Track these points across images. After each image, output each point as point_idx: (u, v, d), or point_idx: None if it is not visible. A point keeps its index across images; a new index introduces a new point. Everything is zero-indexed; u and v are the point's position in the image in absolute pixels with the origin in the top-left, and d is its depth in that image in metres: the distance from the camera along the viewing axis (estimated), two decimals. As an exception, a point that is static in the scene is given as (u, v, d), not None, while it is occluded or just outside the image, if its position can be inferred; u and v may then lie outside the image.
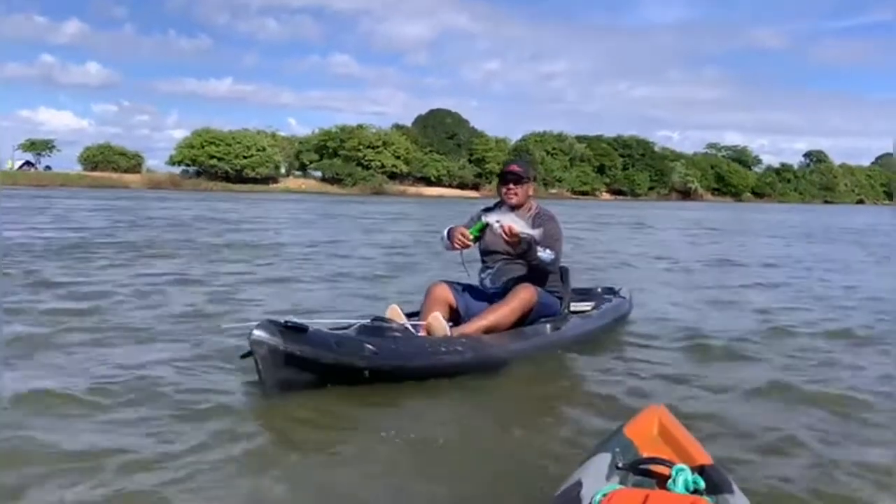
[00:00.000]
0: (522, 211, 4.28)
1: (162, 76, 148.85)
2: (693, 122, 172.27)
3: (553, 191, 73.07)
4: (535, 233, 3.98)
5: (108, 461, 2.49)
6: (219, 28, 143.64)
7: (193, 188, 56.97)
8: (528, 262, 4.14)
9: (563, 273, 4.46)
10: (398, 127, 73.63)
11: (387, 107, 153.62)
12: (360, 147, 66.13)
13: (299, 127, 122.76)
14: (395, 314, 3.85)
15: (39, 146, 66.30)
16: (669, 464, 1.65)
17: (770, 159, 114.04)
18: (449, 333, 3.79)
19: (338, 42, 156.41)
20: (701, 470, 1.65)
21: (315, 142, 69.12)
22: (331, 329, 3.58)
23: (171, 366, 3.69)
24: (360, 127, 69.22)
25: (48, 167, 64.84)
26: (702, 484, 1.58)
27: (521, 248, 4.04)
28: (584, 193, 76.46)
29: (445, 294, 4.16)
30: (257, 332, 3.05)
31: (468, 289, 4.29)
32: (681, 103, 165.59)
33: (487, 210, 4.34)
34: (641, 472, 1.68)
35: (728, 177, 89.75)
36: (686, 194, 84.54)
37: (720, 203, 76.23)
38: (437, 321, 3.80)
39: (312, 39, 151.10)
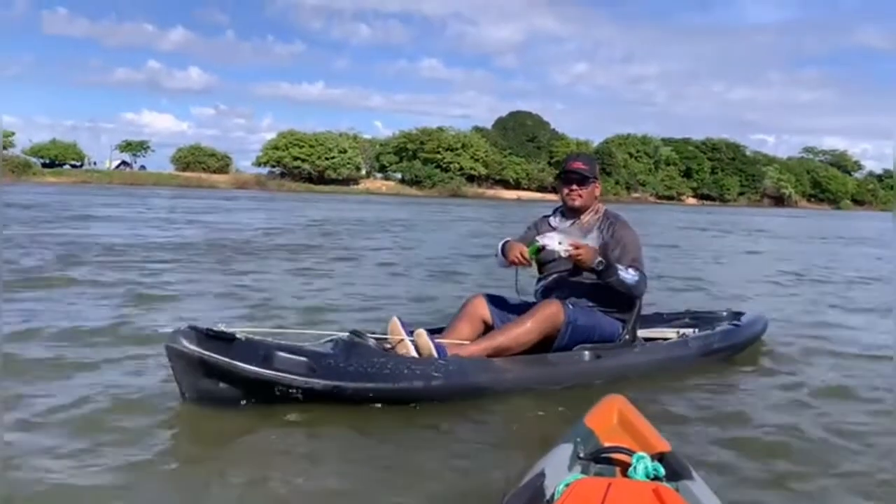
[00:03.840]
0: (588, 215, 3.68)
1: (258, 80, 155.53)
2: (791, 125, 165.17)
3: (636, 195, 71.07)
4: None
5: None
6: (313, 33, 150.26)
7: (278, 189, 58.38)
8: (594, 277, 3.49)
9: None
10: (477, 129, 73.32)
11: (472, 109, 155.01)
12: (440, 149, 66.16)
13: (384, 129, 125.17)
14: (394, 328, 3.36)
15: (135, 147, 69.60)
16: (629, 452, 1.67)
17: (872, 165, 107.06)
18: (435, 354, 3.24)
19: (426, 46, 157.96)
20: (660, 457, 1.67)
21: (395, 144, 69.67)
22: (292, 343, 3.17)
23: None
24: (439, 129, 69.31)
25: (143, 167, 67.97)
26: (661, 471, 1.61)
27: (598, 267, 3.41)
28: (669, 198, 74.03)
29: (480, 309, 3.61)
30: (173, 339, 2.82)
31: (511, 304, 3.68)
32: (778, 106, 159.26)
33: (545, 217, 3.85)
34: (603, 460, 1.71)
35: (825, 183, 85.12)
36: (779, 200, 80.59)
37: (818, 210, 71.91)
38: (421, 338, 3.28)
39: (401, 43, 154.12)
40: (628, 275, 3.46)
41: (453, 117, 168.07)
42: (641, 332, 4.09)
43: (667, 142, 79.54)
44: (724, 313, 4.71)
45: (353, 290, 6.71)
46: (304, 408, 2.95)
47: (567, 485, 1.51)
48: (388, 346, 3.36)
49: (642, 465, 1.63)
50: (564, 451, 1.75)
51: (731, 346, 4.19)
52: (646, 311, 4.53)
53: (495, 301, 3.67)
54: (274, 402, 2.94)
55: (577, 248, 3.36)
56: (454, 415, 3.06)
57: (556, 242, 3.37)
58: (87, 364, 3.65)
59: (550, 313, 3.43)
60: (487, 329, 3.57)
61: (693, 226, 25.48)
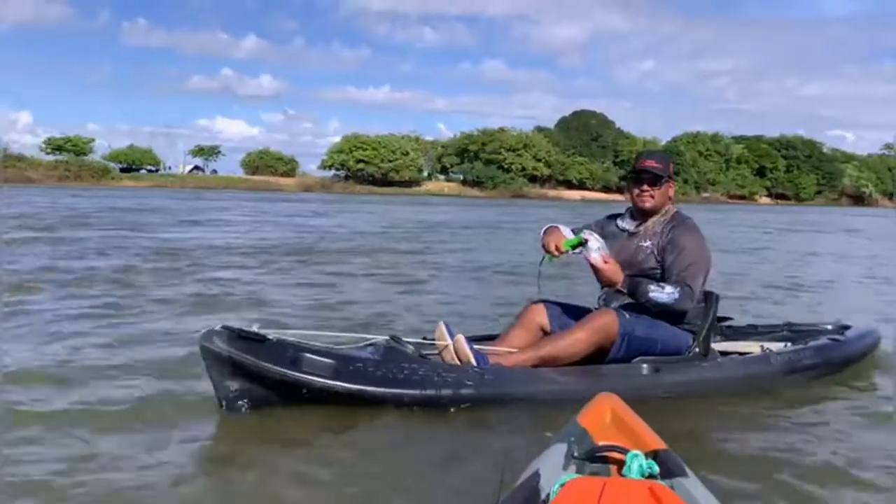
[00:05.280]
0: (655, 218, 3.39)
1: (325, 85, 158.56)
2: (870, 120, 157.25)
3: (706, 195, 69.05)
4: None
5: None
6: (379, 38, 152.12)
7: (342, 191, 59.32)
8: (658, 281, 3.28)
9: (709, 300, 3.42)
10: (540, 129, 72.68)
11: (536, 110, 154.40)
12: (501, 150, 65.87)
13: (447, 131, 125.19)
14: (440, 334, 3.24)
15: (207, 152, 72.00)
16: (624, 450, 1.66)
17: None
18: (474, 361, 3.13)
19: (490, 47, 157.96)
20: (655, 455, 1.66)
21: (456, 145, 69.77)
22: (323, 346, 3.19)
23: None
24: (500, 130, 69.04)
25: (214, 171, 70.25)
26: (656, 468, 1.60)
27: (623, 288, 3.23)
28: (742, 198, 71.63)
29: (538, 317, 3.44)
30: (206, 338, 2.87)
31: (572, 312, 3.47)
32: (856, 100, 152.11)
33: (612, 217, 3.59)
34: (597, 459, 1.71)
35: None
36: (859, 199, 76.89)
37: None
38: (459, 344, 3.16)
39: (465, 46, 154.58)
40: (663, 294, 3.18)
41: (517, 118, 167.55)
42: (723, 346, 3.83)
43: (738, 140, 77.06)
44: (829, 326, 4.24)
45: (415, 296, 6.64)
46: (331, 410, 2.97)
47: (562, 485, 1.50)
48: (428, 351, 3.32)
49: (637, 463, 1.61)
50: (559, 450, 1.74)
51: (825, 364, 3.73)
52: (739, 322, 4.28)
53: (555, 308, 3.50)
54: (303, 404, 2.97)
55: (606, 261, 3.19)
56: (471, 422, 2.99)
57: (594, 246, 3.20)
58: (132, 365, 3.73)
59: (604, 323, 3.23)
60: (546, 335, 3.42)
61: (778, 226, 24.39)
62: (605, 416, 1.88)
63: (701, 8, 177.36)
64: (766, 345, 3.85)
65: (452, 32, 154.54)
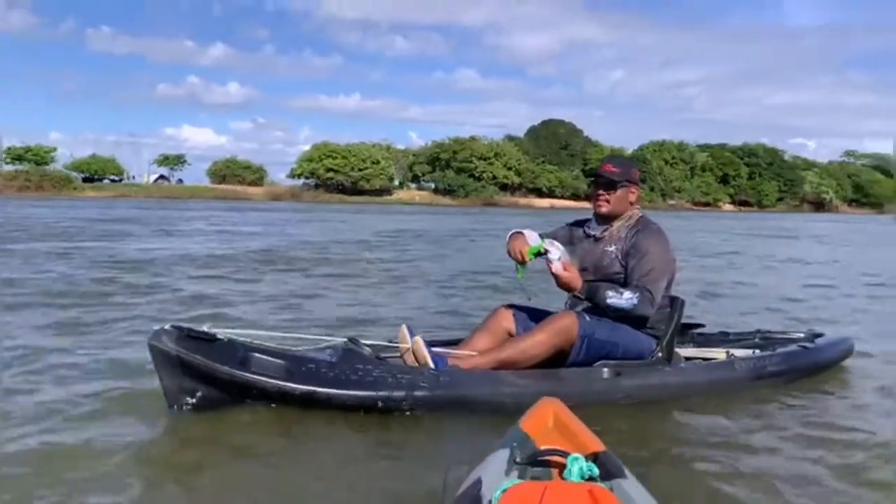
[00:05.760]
0: (619, 223, 3.38)
1: (296, 94, 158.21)
2: (834, 129, 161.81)
3: (672, 202, 70.06)
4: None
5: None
6: (350, 46, 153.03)
7: (311, 200, 58.87)
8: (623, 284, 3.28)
9: (674, 305, 3.41)
10: (510, 138, 73.11)
11: (508, 119, 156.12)
12: (472, 158, 66.09)
13: (419, 140, 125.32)
14: (403, 337, 3.24)
15: (172, 161, 70.94)
16: (565, 454, 1.68)
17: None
18: (431, 364, 3.12)
19: (463, 57, 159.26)
20: (595, 457, 1.69)
21: (428, 154, 69.82)
22: (275, 347, 3.14)
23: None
24: (472, 139, 69.28)
25: (180, 180, 69.21)
26: (596, 471, 1.63)
27: (582, 295, 3.25)
28: (706, 204, 72.82)
29: (504, 321, 3.43)
30: (155, 337, 2.84)
31: (538, 316, 3.44)
32: (821, 110, 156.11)
33: (581, 222, 3.59)
34: (539, 464, 1.71)
35: (867, 186, 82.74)
36: (819, 205, 78.80)
37: (861, 215, 69.81)
38: (417, 346, 3.15)
39: (438, 55, 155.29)
40: (622, 300, 3.17)
41: (489, 127, 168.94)
42: (690, 352, 3.82)
43: (703, 148, 78.41)
44: (801, 334, 4.22)
45: (384, 301, 6.58)
46: (281, 411, 2.94)
47: (504, 490, 1.51)
48: (389, 354, 3.31)
49: (577, 466, 1.64)
50: (501, 456, 1.75)
51: (792, 371, 3.71)
52: (711, 329, 4.27)
53: (522, 313, 3.48)
54: (254, 405, 2.94)
55: (566, 269, 3.20)
56: (423, 425, 2.95)
57: (556, 255, 3.20)
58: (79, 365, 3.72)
59: (563, 325, 3.21)
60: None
61: (745, 232, 24.74)
62: (547, 420, 1.90)
63: (671, 19, 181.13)
64: (733, 351, 3.84)
65: (425, 41, 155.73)
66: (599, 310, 3.27)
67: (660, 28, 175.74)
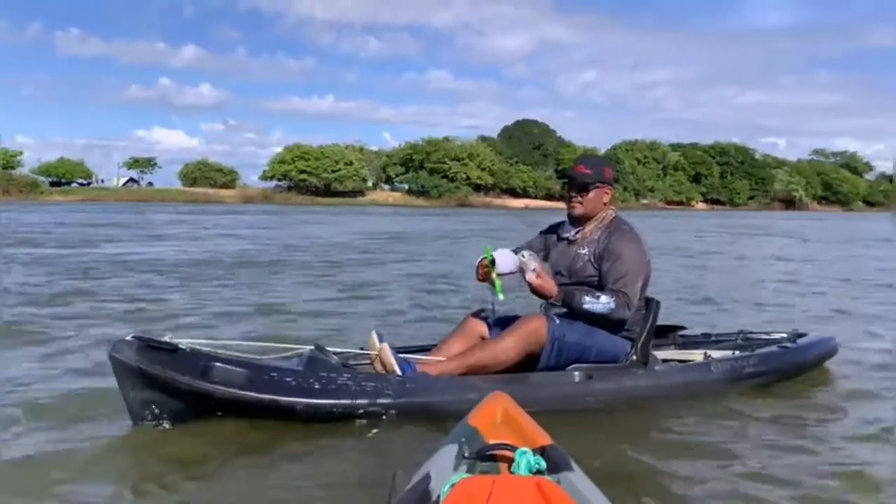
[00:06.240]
0: (592, 224, 3.30)
1: (268, 95, 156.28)
2: (803, 128, 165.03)
3: (645, 201, 70.72)
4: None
5: None
6: (323, 48, 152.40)
7: (284, 202, 58.41)
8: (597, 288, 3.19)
9: (649, 307, 3.33)
10: (483, 139, 73.21)
11: (481, 120, 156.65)
12: (445, 159, 66.08)
13: (393, 141, 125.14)
14: (372, 343, 3.15)
15: (142, 164, 69.90)
16: (513, 448, 1.69)
17: (884, 166, 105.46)
18: (398, 370, 3.04)
19: (435, 58, 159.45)
20: (542, 451, 1.70)
21: (401, 155, 69.65)
22: (238, 356, 3.09)
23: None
24: (445, 139, 69.28)
25: (150, 183, 68.21)
26: (543, 464, 1.65)
27: (557, 302, 3.17)
28: (679, 203, 73.62)
29: (477, 326, 3.34)
30: (116, 349, 2.80)
31: (512, 321, 3.32)
32: (791, 109, 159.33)
33: (555, 227, 3.49)
34: (487, 458, 1.73)
35: (836, 184, 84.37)
36: (790, 203, 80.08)
37: (830, 213, 71.09)
38: (383, 353, 3.07)
39: (411, 56, 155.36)
40: (598, 304, 3.10)
41: (463, 128, 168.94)
42: (668, 354, 3.74)
43: (675, 147, 79.28)
44: (784, 334, 4.13)
45: (357, 305, 6.42)
46: (243, 422, 2.88)
47: (452, 485, 1.50)
48: (358, 361, 3.28)
49: (525, 459, 1.64)
50: (449, 451, 1.74)
51: (771, 372, 3.63)
52: (693, 331, 4.19)
53: (496, 317, 3.37)
54: (218, 415, 2.89)
55: (539, 276, 3.12)
56: (383, 431, 2.89)
57: (532, 266, 3.12)
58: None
59: (532, 328, 3.12)
60: None
61: (721, 231, 24.98)
62: (495, 415, 1.90)
63: (642, 21, 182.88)
64: (711, 353, 3.74)
65: (397, 42, 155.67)
66: (572, 313, 3.17)
67: (629, 29, 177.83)
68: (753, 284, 8.88)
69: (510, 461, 1.67)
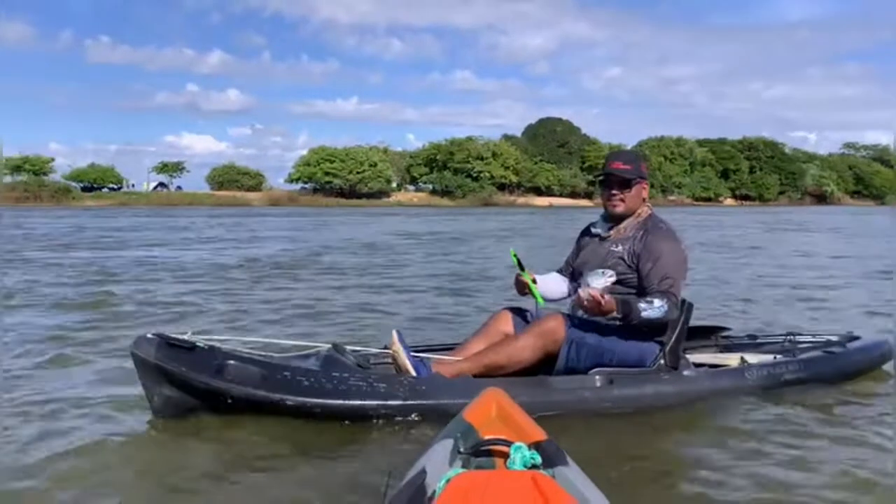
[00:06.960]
0: (628, 221, 3.22)
1: (293, 99, 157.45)
2: (832, 121, 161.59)
3: (672, 198, 69.83)
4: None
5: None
6: (346, 50, 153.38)
7: (309, 204, 58.74)
8: (625, 291, 3.12)
9: (680, 309, 3.17)
10: (507, 137, 72.89)
11: (505, 119, 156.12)
12: (469, 159, 65.90)
13: (417, 142, 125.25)
14: (393, 342, 3.13)
15: (171, 168, 70.70)
16: (508, 443, 1.70)
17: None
18: (412, 371, 3.03)
19: (458, 58, 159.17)
20: (537, 446, 1.70)
21: (425, 155, 69.62)
22: (271, 355, 3.21)
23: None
24: (468, 139, 69.07)
25: (179, 187, 69.00)
26: (538, 459, 1.65)
27: (618, 314, 3.05)
28: (707, 200, 72.57)
29: (503, 325, 3.29)
30: (137, 346, 2.92)
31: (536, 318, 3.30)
32: (819, 102, 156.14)
33: (587, 228, 3.44)
34: (483, 453, 1.74)
35: (869, 178, 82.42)
36: (821, 198, 78.41)
37: (864, 207, 69.42)
38: (398, 353, 3.06)
39: (434, 56, 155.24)
40: (654, 309, 3.00)
41: (487, 127, 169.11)
42: (703, 357, 3.60)
43: (702, 143, 78.09)
44: (835, 337, 3.89)
45: (385, 305, 6.47)
46: (256, 418, 2.93)
47: (448, 480, 1.51)
48: (377, 361, 3.31)
49: (520, 454, 1.66)
50: (445, 446, 1.76)
51: (813, 378, 3.42)
52: (736, 332, 4.04)
53: (521, 316, 3.34)
54: (232, 412, 2.94)
55: (594, 298, 2.94)
56: (401, 432, 2.91)
57: (600, 283, 3.00)
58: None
59: (548, 328, 3.07)
60: None
61: (756, 227, 24.35)
62: (490, 410, 1.90)
63: (666, 17, 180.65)
64: (747, 357, 3.58)
65: (420, 44, 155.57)
66: (596, 313, 3.06)
67: (653, 24, 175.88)
68: (800, 282, 8.51)
69: (505, 456, 1.69)
